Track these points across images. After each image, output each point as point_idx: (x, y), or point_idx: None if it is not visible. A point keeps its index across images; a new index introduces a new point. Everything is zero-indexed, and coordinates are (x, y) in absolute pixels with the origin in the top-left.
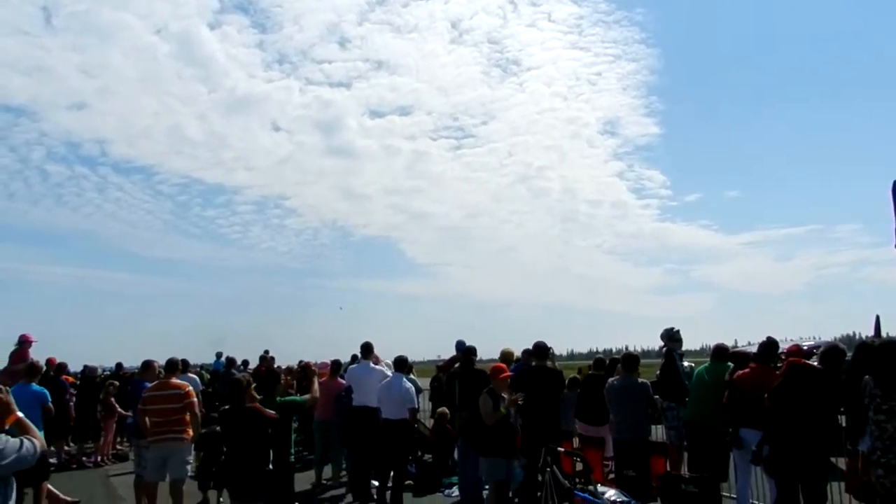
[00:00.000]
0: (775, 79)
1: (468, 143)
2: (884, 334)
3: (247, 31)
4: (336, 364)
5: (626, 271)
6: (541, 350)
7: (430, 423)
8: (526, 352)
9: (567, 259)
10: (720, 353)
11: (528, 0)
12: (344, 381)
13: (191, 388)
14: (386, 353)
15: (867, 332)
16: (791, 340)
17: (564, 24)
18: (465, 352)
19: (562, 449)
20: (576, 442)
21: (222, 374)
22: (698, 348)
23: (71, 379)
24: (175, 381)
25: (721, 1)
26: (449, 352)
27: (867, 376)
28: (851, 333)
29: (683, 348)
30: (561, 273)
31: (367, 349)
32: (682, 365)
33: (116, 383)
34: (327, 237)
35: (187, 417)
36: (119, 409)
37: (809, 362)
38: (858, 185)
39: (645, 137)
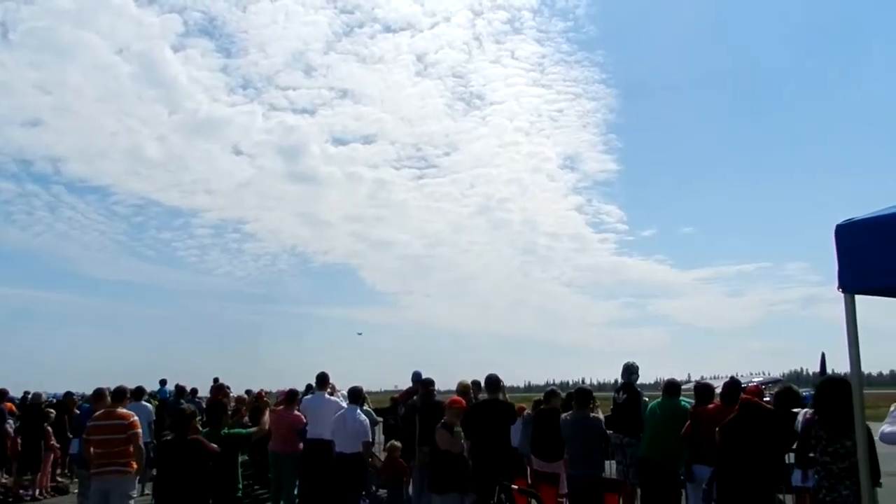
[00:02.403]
0: (729, 120)
1: (431, 174)
2: (829, 371)
3: (211, 55)
4: (292, 394)
5: (583, 304)
6: (492, 383)
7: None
8: (476, 384)
9: (526, 290)
10: (672, 387)
11: (493, 38)
12: (299, 412)
13: (136, 418)
14: (343, 383)
15: (814, 368)
16: (741, 375)
17: (527, 61)
18: (424, 383)
19: (515, 486)
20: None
21: (170, 403)
22: (652, 382)
23: (11, 406)
24: (121, 410)
25: (679, 44)
26: (406, 382)
27: (806, 413)
28: (799, 369)
29: (638, 382)
30: (519, 304)
31: (321, 379)
32: (646, 400)
33: (52, 411)
34: (286, 263)
35: (131, 449)
36: (53, 441)
37: (762, 402)
38: (807, 224)
39: (603, 173)
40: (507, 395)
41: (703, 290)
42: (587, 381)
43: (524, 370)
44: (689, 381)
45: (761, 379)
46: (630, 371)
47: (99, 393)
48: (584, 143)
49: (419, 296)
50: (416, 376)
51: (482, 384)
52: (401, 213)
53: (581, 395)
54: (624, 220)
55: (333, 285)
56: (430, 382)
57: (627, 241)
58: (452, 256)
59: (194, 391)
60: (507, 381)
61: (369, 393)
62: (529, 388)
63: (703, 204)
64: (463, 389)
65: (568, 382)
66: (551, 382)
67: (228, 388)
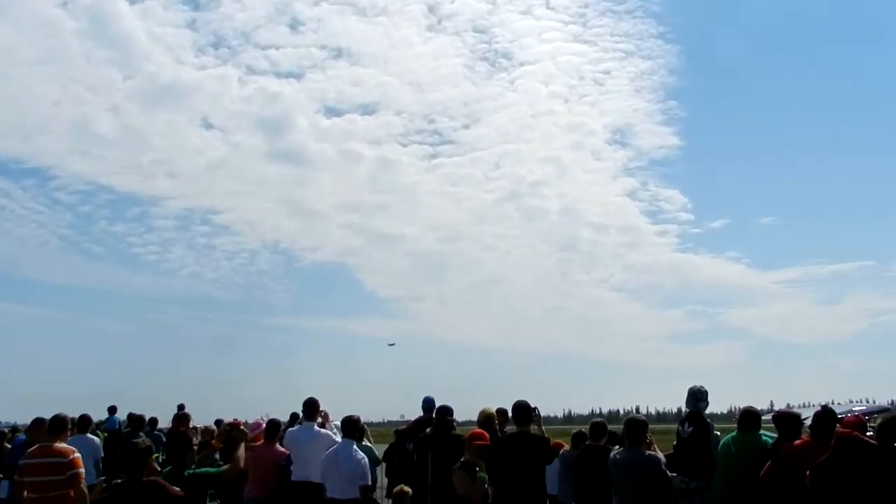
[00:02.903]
0: (823, 84)
1: (446, 151)
2: None
3: (175, 8)
4: (273, 425)
5: (637, 313)
6: (522, 412)
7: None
8: (502, 413)
9: (565, 296)
10: (750, 418)
11: None
12: (282, 448)
13: (77, 454)
14: (337, 411)
15: None
16: (837, 403)
17: (566, 12)
18: (440, 413)
19: None
20: None
21: (124, 436)
22: (725, 411)
23: None
24: (59, 445)
25: None
26: (415, 411)
27: None
28: None
29: (707, 410)
30: (557, 314)
31: (311, 407)
32: (717, 434)
33: None
34: (267, 262)
35: (72, 493)
36: None
37: (863, 436)
38: None
39: (662, 150)
40: (542, 428)
41: (787, 296)
42: (642, 411)
43: (563, 396)
44: (770, 410)
45: (863, 408)
46: (697, 397)
47: (38, 423)
48: (637, 112)
49: (431, 303)
50: (428, 403)
51: (510, 413)
52: (409, 200)
53: (634, 428)
54: (688, 208)
55: (325, 290)
56: (446, 411)
57: (692, 234)
58: (473, 254)
59: (153, 421)
60: (543, 409)
61: (369, 424)
62: (570, 419)
63: (788, 188)
64: (486, 420)
65: (618, 412)
66: (597, 413)
67: (187, 415)
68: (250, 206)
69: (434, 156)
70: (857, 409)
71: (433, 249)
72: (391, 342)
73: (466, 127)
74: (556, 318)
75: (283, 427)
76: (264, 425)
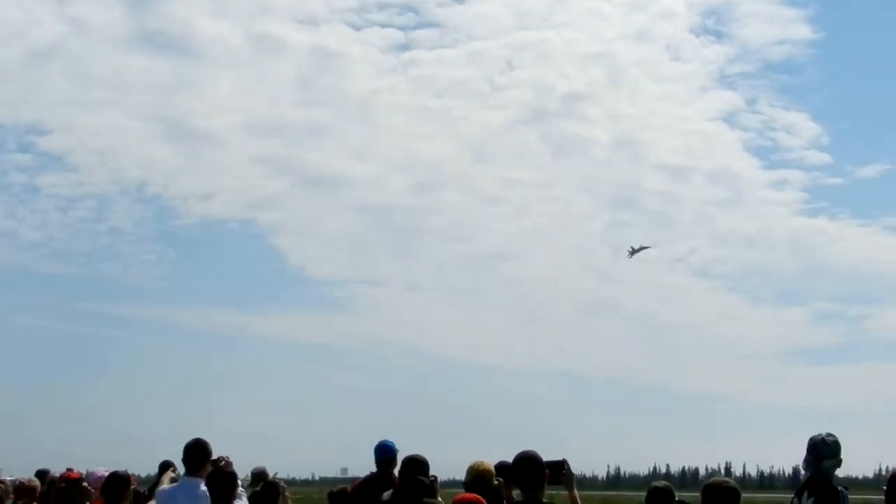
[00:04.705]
0: None
1: (424, 40)
2: None
3: None
4: (116, 482)
5: (735, 313)
6: (533, 468)
7: None
8: (505, 469)
9: (616, 284)
10: None
11: None
12: None
13: None
14: (243, 462)
15: None
16: None
17: None
18: (406, 467)
19: None
20: None
21: None
22: (871, 474)
23: None
24: None
25: None
26: (365, 464)
27: None
28: None
29: (843, 473)
30: (602, 312)
31: (195, 454)
32: None
33: None
34: (127, 217)
35: None
36: None
37: None
38: None
39: (783, 47)
40: (575, 494)
41: None
42: (736, 472)
43: (609, 446)
44: None
45: None
46: (821, 452)
47: None
48: None
49: (396, 290)
50: (386, 452)
51: (517, 470)
52: (362, 119)
53: (718, 499)
54: (823, 145)
55: (221, 265)
56: (414, 466)
57: (829, 186)
58: (467, 212)
59: None
60: (576, 464)
61: (290, 483)
62: (618, 481)
63: None
64: (479, 480)
65: (697, 472)
66: (661, 472)
67: (7, 478)
68: (99, 124)
69: (406, 46)
70: None
71: (401, 203)
72: (641, 245)
73: (460, 0)
74: (601, 319)
75: (145, 483)
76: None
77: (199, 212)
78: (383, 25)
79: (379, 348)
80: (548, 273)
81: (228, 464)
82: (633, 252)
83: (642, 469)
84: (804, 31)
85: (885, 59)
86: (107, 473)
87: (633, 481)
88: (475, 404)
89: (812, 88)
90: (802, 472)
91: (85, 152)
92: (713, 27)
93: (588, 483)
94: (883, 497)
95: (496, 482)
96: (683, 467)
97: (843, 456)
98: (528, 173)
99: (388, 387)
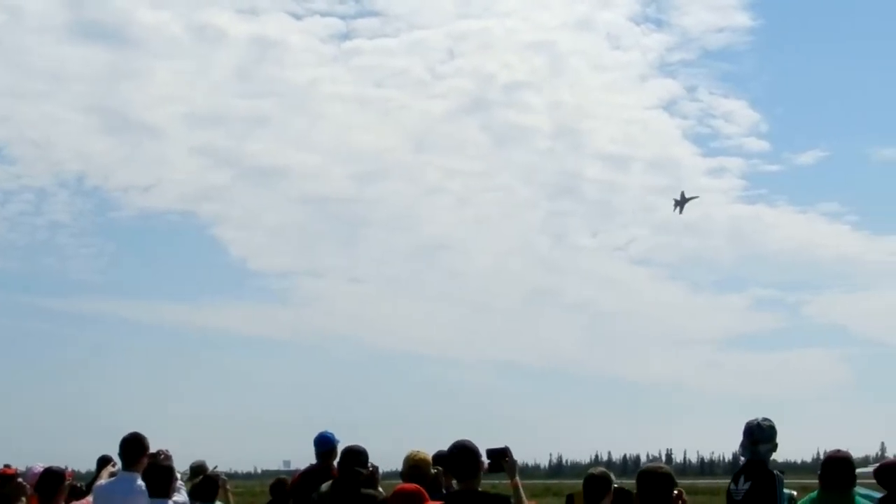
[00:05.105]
0: None
1: (365, 29)
2: None
3: None
4: (50, 477)
5: (674, 301)
6: (469, 457)
7: None
8: (442, 459)
9: (558, 273)
10: (838, 470)
11: None
12: None
13: None
14: (183, 456)
15: None
16: None
17: None
18: (345, 459)
19: None
20: None
21: None
22: (809, 458)
23: None
24: None
25: None
26: (305, 456)
27: None
28: None
29: (780, 458)
30: (544, 302)
31: (131, 447)
32: (789, 495)
33: None
34: (66, 210)
35: None
36: None
37: None
38: None
39: (723, 34)
40: (517, 481)
41: None
42: (677, 457)
43: (551, 435)
44: (879, 458)
45: None
46: (758, 436)
47: None
48: None
49: (338, 281)
50: (325, 444)
51: (452, 459)
52: (303, 110)
53: (651, 484)
54: (761, 132)
55: (162, 257)
56: (354, 457)
57: (767, 174)
58: (409, 202)
59: None
60: (519, 452)
61: (232, 476)
62: (560, 469)
63: None
64: (416, 470)
65: (637, 459)
66: (602, 460)
67: None
68: (37, 115)
69: (346, 36)
70: None
71: (343, 193)
72: (690, 196)
73: None
74: (543, 308)
75: (82, 482)
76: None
77: (140, 204)
78: (324, 14)
79: (321, 340)
80: (490, 262)
81: (168, 458)
82: (680, 203)
83: (584, 457)
84: (743, 19)
85: (822, 46)
86: (38, 470)
87: (576, 469)
88: (417, 395)
89: (751, 76)
90: (740, 456)
91: (22, 144)
92: (654, 15)
93: (530, 471)
94: (818, 480)
95: (434, 471)
96: (625, 454)
97: (780, 441)
98: (470, 163)
99: (330, 378)
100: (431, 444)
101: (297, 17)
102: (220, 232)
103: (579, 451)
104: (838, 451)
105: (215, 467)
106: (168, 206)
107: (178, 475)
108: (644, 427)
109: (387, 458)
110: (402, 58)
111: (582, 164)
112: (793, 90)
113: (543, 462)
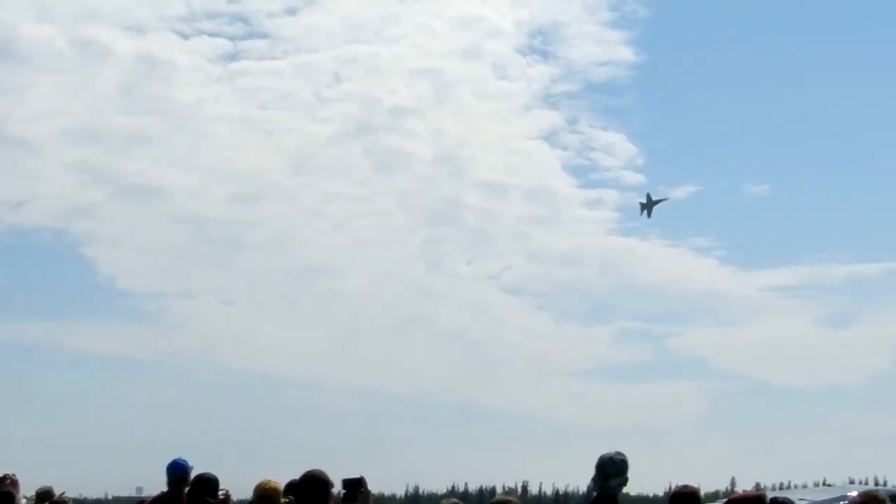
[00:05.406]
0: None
1: (253, 50)
2: None
3: None
4: None
5: (541, 331)
6: (313, 487)
7: None
8: (291, 487)
9: (431, 300)
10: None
11: None
12: None
13: None
14: (31, 480)
15: None
16: (859, 482)
17: None
18: (196, 487)
19: None
20: None
21: None
22: (661, 492)
23: None
24: None
25: None
26: (158, 483)
27: None
28: None
29: (633, 491)
30: (415, 329)
31: None
32: None
33: None
34: None
35: None
36: None
37: None
38: None
39: (606, 67)
40: None
41: (780, 311)
42: (532, 489)
43: (407, 464)
44: (728, 493)
45: (889, 489)
46: (609, 471)
47: None
48: (571, 4)
49: (210, 302)
50: (178, 471)
51: (303, 489)
52: (184, 129)
53: None
54: (637, 166)
55: (31, 276)
56: (201, 484)
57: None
58: (287, 225)
59: None
60: (375, 483)
61: (83, 502)
62: (415, 499)
63: (795, 142)
64: (263, 500)
65: (493, 490)
66: (459, 490)
67: None
68: None
69: (233, 56)
70: (882, 489)
71: (219, 214)
72: (657, 198)
73: (290, 13)
74: (414, 334)
75: None
76: None
77: (10, 220)
78: (212, 35)
79: (188, 362)
80: (364, 288)
81: (14, 482)
82: (647, 206)
83: (441, 487)
84: (626, 53)
85: (701, 82)
86: None
87: (432, 499)
88: (281, 421)
89: (631, 110)
90: (591, 490)
91: None
92: (540, 47)
93: (386, 502)
94: None
95: (285, 501)
96: (481, 486)
97: (634, 474)
98: (351, 187)
99: (191, 402)
100: (288, 472)
101: (185, 36)
102: (90, 251)
103: (437, 482)
104: (686, 486)
105: (62, 493)
106: (40, 224)
107: (24, 501)
108: (503, 458)
109: (245, 487)
110: (289, 80)
111: (461, 192)
112: (669, 125)
113: (400, 492)
